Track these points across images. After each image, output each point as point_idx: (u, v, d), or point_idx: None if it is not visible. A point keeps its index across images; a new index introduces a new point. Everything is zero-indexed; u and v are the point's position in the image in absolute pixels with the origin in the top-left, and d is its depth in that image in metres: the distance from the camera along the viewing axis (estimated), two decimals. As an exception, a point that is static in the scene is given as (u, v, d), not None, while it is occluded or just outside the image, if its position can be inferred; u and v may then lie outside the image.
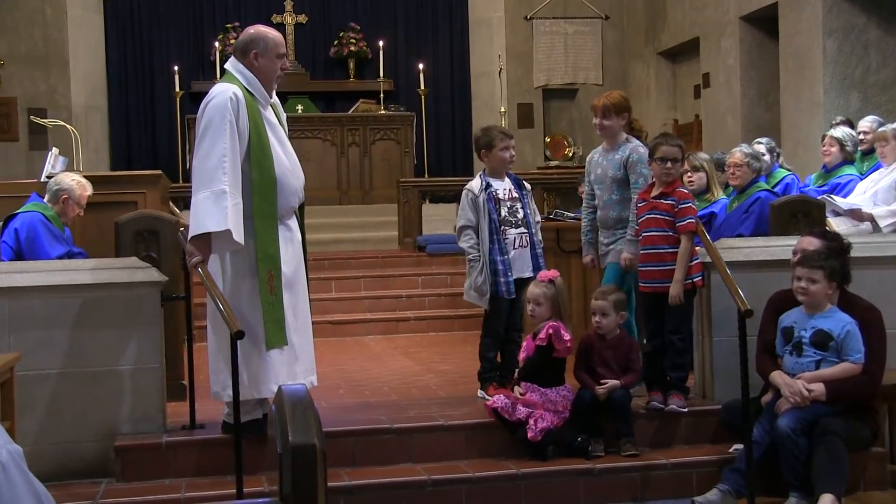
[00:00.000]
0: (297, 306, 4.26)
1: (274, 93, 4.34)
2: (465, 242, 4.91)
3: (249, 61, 4.19)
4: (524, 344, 4.51)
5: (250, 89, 4.15)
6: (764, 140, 6.56)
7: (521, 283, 4.84)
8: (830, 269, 4.04)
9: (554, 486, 4.19)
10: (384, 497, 4.08)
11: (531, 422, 4.24)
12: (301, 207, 4.41)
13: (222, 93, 4.06)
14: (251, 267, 4.11)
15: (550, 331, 4.32)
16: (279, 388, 2.02)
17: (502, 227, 4.86)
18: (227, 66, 4.28)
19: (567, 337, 4.34)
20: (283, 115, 4.44)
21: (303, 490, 1.80)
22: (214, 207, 3.92)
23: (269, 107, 4.28)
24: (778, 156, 6.48)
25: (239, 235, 3.97)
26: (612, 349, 4.41)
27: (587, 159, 5.08)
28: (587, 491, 4.20)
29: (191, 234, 4.01)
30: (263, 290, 4.09)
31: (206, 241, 4.01)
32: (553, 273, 4.50)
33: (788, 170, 6.47)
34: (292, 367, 4.20)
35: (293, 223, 4.32)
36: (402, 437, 4.34)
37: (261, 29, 4.30)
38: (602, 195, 4.86)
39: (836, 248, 4.18)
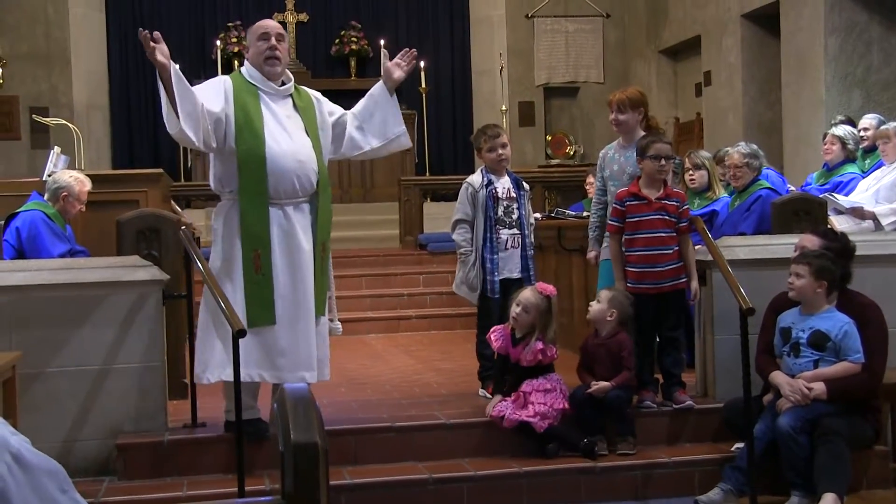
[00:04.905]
0: (293, 300, 4.21)
1: (292, 84, 4.37)
2: (459, 236, 4.90)
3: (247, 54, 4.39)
4: (494, 334, 4.47)
5: (250, 79, 4.29)
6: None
7: (509, 284, 4.81)
8: (819, 267, 4.01)
9: (556, 485, 4.18)
10: (386, 495, 4.08)
11: (531, 412, 4.25)
12: (317, 201, 4.32)
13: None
14: (239, 246, 4.18)
15: (539, 356, 4.34)
16: (281, 387, 2.02)
17: (497, 226, 4.85)
18: None
19: (550, 353, 4.38)
20: (317, 106, 4.43)
21: (305, 488, 1.80)
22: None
23: (289, 97, 4.33)
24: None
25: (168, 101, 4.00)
26: (604, 346, 4.41)
27: (601, 154, 5.03)
28: (589, 489, 4.20)
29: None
30: (248, 269, 4.13)
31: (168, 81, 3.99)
32: (552, 290, 4.49)
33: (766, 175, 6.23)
34: (274, 360, 4.17)
35: (296, 214, 4.24)
36: (404, 435, 4.34)
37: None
38: (616, 192, 4.81)
39: (836, 248, 4.15)
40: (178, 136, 4.08)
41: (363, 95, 4.59)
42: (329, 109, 4.49)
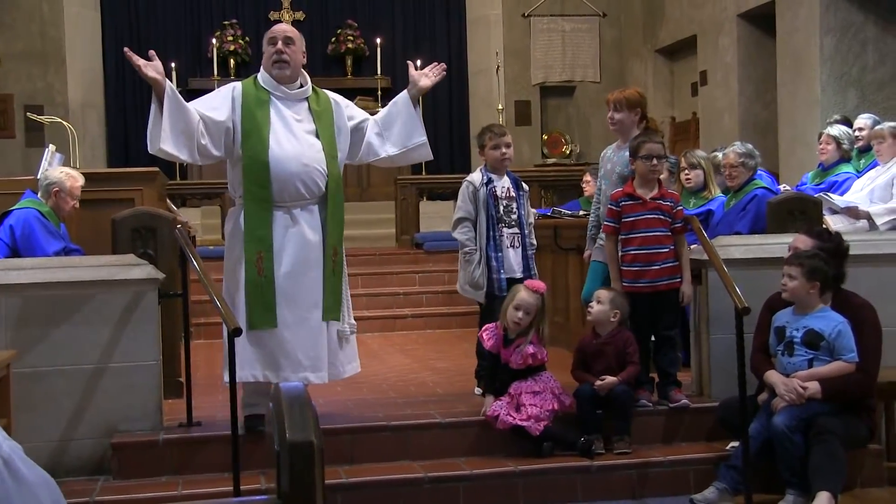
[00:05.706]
0: (297, 302, 4.23)
1: (308, 87, 4.38)
2: (461, 234, 4.88)
3: None
4: (486, 334, 4.46)
5: (263, 84, 4.33)
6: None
7: (510, 283, 4.80)
8: (810, 267, 4.01)
9: (552, 484, 4.19)
10: (381, 494, 4.08)
11: (525, 415, 4.25)
12: (327, 206, 4.30)
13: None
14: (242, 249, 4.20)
15: (529, 360, 4.34)
16: (277, 386, 2.02)
17: (499, 224, 4.86)
18: None
19: (541, 355, 4.37)
20: (336, 109, 4.42)
21: (300, 487, 1.79)
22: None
23: (304, 101, 4.34)
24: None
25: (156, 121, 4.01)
26: (608, 345, 4.42)
27: (601, 155, 5.05)
28: (585, 488, 4.20)
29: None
30: (251, 272, 4.14)
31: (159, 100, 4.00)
32: (543, 287, 4.48)
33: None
34: (278, 360, 4.18)
35: (303, 215, 4.25)
36: (400, 434, 4.34)
37: None
38: (607, 191, 4.81)
39: (829, 249, 4.16)
40: (157, 154, 4.09)
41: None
42: (350, 114, 4.48)
